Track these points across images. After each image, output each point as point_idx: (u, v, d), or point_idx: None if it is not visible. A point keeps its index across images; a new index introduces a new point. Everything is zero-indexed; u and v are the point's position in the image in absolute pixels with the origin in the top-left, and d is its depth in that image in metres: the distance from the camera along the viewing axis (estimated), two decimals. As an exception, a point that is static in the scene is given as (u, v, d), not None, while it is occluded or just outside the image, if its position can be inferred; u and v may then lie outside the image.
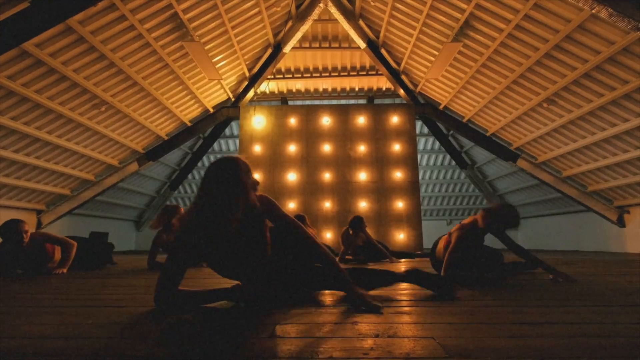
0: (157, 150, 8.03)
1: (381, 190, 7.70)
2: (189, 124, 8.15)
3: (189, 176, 10.78)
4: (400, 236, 7.50)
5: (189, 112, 7.99)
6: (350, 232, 4.89)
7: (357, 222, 4.90)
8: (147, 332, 1.13)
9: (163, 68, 6.38)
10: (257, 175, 7.75)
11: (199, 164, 10.56)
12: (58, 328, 1.17)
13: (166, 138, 8.02)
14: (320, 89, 9.27)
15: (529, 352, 0.91)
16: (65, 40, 4.79)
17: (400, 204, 7.62)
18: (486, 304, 1.56)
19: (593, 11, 4.01)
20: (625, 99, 5.23)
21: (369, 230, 7.22)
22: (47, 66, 4.90)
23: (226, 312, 1.42)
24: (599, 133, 6.05)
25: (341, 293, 1.77)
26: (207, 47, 6.41)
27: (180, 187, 10.90)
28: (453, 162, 10.66)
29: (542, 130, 6.85)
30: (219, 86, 7.88)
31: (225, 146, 11.00)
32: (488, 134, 8.01)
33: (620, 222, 7.37)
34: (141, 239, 11.21)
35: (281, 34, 7.62)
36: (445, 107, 8.25)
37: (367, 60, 8.45)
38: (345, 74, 8.78)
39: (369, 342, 0.99)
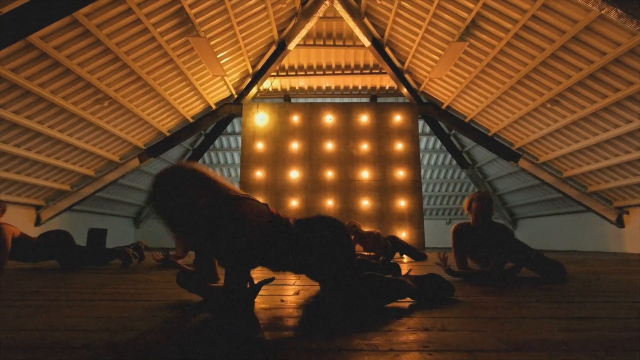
0: (159, 146, 7.96)
1: (383, 189, 7.71)
2: (191, 121, 8.09)
3: (189, 173, 10.70)
4: (403, 234, 7.51)
5: (191, 109, 7.93)
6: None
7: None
8: (184, 327, 1.11)
9: (167, 63, 6.32)
10: (259, 173, 7.71)
11: (200, 161, 10.49)
12: (97, 321, 1.15)
13: (168, 134, 7.96)
14: (324, 87, 9.25)
15: (586, 344, 0.91)
16: (71, 33, 4.72)
17: (402, 203, 7.64)
18: (517, 300, 1.56)
19: (602, 12, 4.04)
20: (629, 101, 5.28)
21: (367, 228, 7.26)
22: (51, 59, 4.83)
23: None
24: (602, 134, 6.11)
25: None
26: (212, 43, 6.35)
27: (180, 184, 10.82)
28: (454, 162, 10.71)
29: (545, 131, 6.90)
30: (222, 82, 7.83)
31: (227, 143, 10.95)
32: (490, 134, 8.05)
33: (620, 223, 7.45)
34: (140, 236, 11.11)
35: (286, 31, 7.59)
36: (448, 107, 8.28)
37: (371, 58, 8.44)
38: (349, 72, 8.77)
39: (422, 336, 0.98)
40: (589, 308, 1.38)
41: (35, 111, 5.34)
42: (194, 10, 5.69)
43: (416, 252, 4.51)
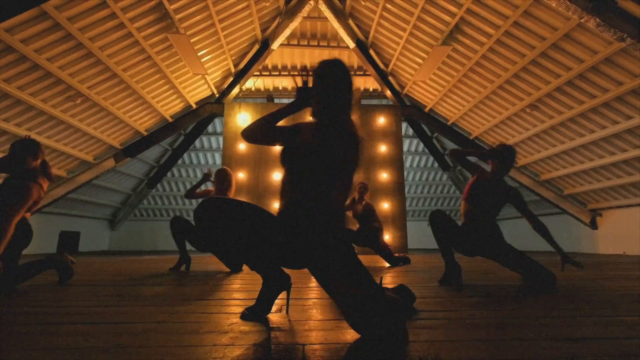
0: (136, 146, 7.67)
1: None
2: (170, 120, 7.83)
3: (168, 174, 10.39)
4: (386, 237, 7.50)
5: (170, 108, 7.68)
6: (356, 198, 4.55)
7: (364, 188, 4.56)
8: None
9: (145, 60, 6.07)
10: (241, 174, 7.54)
11: (179, 161, 10.21)
12: (57, 357, 1.02)
13: (145, 134, 7.67)
14: (307, 88, 9.15)
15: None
16: (40, 26, 4.45)
17: (385, 205, 7.64)
18: (510, 315, 1.52)
19: (582, 20, 4.13)
20: (605, 107, 5.45)
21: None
22: (18, 53, 4.53)
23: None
24: (578, 139, 6.29)
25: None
26: (192, 40, 6.15)
27: (159, 185, 10.49)
28: (436, 164, 10.83)
29: (524, 135, 7.05)
30: (202, 81, 7.62)
31: (208, 143, 10.69)
32: (471, 138, 8.17)
33: (593, 225, 7.72)
34: (115, 239, 10.71)
35: (269, 30, 7.45)
36: (431, 110, 8.35)
37: (355, 60, 8.42)
38: (333, 73, 8.70)
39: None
40: (586, 325, 1.35)
41: (1, 108, 5.01)
42: (174, 6, 5.49)
43: (392, 257, 4.18)
